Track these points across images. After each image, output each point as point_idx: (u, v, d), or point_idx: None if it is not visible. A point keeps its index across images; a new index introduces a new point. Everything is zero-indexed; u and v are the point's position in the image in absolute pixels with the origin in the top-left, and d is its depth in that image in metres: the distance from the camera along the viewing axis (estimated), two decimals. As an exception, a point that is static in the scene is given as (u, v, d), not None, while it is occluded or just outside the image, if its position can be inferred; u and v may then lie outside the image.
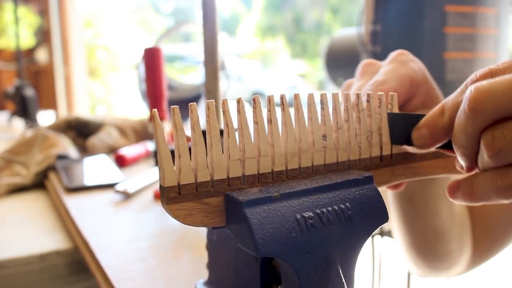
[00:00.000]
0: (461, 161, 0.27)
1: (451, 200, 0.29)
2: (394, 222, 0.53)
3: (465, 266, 0.54)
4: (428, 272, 0.54)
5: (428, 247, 0.50)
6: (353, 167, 0.31)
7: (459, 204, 0.51)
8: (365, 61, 0.41)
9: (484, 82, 0.24)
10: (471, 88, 0.24)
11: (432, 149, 0.30)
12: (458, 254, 0.52)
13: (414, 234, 0.50)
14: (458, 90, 0.28)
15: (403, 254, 0.56)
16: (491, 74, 0.26)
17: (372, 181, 0.29)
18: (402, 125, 0.31)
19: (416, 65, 0.38)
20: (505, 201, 0.25)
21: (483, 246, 0.53)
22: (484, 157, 0.25)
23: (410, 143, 0.31)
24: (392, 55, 0.39)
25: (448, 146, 0.29)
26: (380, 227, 0.29)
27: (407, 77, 0.37)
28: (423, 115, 0.30)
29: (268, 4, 12.42)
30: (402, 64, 0.37)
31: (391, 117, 0.32)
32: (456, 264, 0.52)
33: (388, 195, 0.51)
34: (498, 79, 0.24)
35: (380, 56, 0.88)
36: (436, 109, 0.29)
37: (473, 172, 0.28)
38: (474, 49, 0.84)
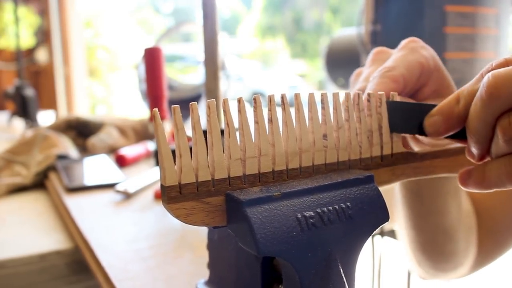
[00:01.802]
0: (474, 149, 0.27)
1: (462, 187, 0.29)
2: (402, 222, 0.52)
3: (469, 268, 0.53)
4: (432, 274, 0.53)
5: (436, 247, 0.50)
6: (353, 166, 0.31)
7: (467, 204, 0.51)
8: (376, 49, 0.40)
9: (501, 69, 0.25)
10: (489, 75, 0.25)
11: (441, 138, 0.30)
12: (464, 255, 0.51)
13: (423, 234, 0.50)
14: (474, 79, 0.28)
15: (407, 254, 0.55)
16: (507, 63, 0.27)
17: (372, 180, 0.29)
18: (403, 114, 0.31)
19: (427, 52, 0.37)
20: None
21: (487, 248, 0.52)
22: (498, 143, 0.25)
23: (412, 132, 0.31)
24: (403, 42, 0.38)
25: (458, 136, 0.29)
26: (380, 226, 0.29)
27: (417, 63, 0.36)
28: (426, 104, 0.30)
29: (268, 4, 12.41)
30: (412, 51, 0.37)
31: (391, 105, 0.32)
32: (461, 265, 0.52)
33: (396, 194, 0.51)
34: None
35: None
36: (451, 97, 0.29)
37: (484, 161, 0.28)
38: (474, 49, 0.84)
